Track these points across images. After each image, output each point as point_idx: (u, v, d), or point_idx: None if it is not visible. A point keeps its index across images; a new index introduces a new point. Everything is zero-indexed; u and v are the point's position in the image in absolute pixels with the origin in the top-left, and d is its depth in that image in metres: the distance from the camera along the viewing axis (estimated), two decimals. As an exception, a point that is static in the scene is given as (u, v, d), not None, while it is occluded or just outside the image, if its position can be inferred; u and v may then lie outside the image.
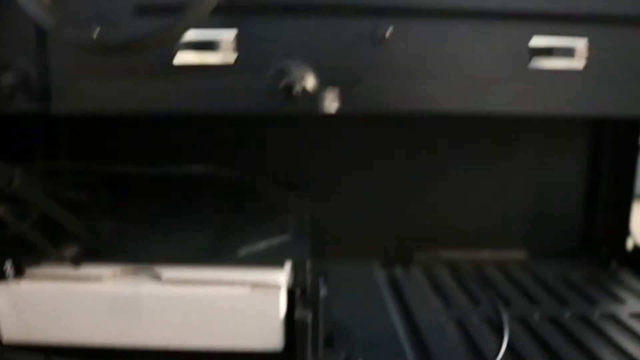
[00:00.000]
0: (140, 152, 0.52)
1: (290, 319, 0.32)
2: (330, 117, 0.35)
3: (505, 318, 0.41)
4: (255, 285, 0.31)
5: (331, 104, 0.33)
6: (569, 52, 0.35)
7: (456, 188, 0.57)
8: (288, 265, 0.34)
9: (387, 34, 0.33)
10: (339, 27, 0.35)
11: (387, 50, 0.35)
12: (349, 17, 0.35)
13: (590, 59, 0.35)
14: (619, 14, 0.36)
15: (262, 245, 0.36)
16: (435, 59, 0.35)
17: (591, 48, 0.35)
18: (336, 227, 0.55)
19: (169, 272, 0.32)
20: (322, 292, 0.32)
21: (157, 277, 0.32)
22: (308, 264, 0.34)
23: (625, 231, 0.59)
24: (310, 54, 0.34)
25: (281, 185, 0.50)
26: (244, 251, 0.35)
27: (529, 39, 0.36)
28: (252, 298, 0.31)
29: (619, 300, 0.48)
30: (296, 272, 0.33)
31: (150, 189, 0.44)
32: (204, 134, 0.53)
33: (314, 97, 0.33)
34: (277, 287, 0.31)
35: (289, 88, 0.32)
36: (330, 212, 0.55)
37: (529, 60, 0.36)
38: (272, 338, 0.32)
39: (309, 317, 0.31)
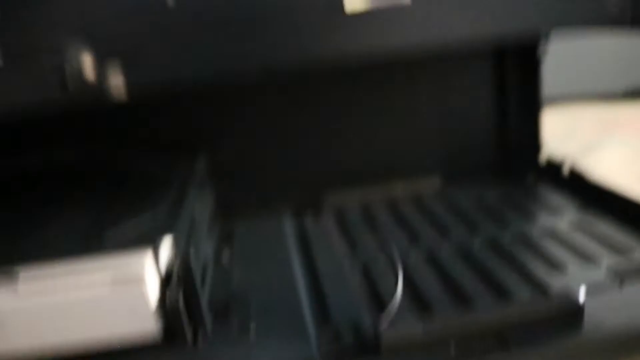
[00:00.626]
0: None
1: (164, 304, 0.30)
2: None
3: (397, 257, 0.41)
4: (115, 282, 0.29)
5: (115, 79, 0.29)
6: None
7: (363, 127, 0.55)
8: (162, 243, 0.31)
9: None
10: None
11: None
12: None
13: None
14: None
15: (130, 225, 0.33)
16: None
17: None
18: (242, 183, 0.53)
19: (26, 276, 0.29)
20: (197, 265, 0.31)
21: (13, 286, 0.29)
22: (178, 240, 0.32)
23: (537, 146, 0.58)
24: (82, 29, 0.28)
25: (173, 149, 0.48)
26: (110, 237, 0.32)
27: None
28: (114, 295, 0.29)
29: (530, 217, 0.48)
30: (172, 249, 0.32)
31: (21, 178, 0.41)
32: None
33: (96, 79, 0.29)
34: (139, 279, 0.29)
35: (61, 72, 0.28)
36: (234, 167, 0.53)
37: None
38: (148, 329, 0.30)
39: (180, 301, 0.30)
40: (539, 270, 0.39)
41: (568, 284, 0.36)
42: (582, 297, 0.31)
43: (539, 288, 0.36)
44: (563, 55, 0.93)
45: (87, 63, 0.28)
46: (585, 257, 0.40)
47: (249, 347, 0.32)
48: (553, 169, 0.55)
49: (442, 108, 0.57)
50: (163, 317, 0.30)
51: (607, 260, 0.39)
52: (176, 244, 0.32)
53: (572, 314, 0.31)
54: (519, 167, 0.58)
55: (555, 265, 0.39)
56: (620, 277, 0.36)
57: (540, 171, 0.57)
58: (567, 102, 0.93)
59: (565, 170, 0.54)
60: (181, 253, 0.31)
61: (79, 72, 0.28)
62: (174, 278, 0.30)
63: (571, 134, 0.77)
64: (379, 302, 0.37)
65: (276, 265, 0.43)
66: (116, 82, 0.29)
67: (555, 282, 0.37)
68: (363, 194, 0.55)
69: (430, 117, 0.57)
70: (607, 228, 0.44)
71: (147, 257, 0.30)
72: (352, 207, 0.54)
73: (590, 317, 0.31)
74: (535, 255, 0.41)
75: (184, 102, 0.51)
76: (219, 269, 0.43)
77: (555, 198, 0.52)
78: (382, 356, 0.30)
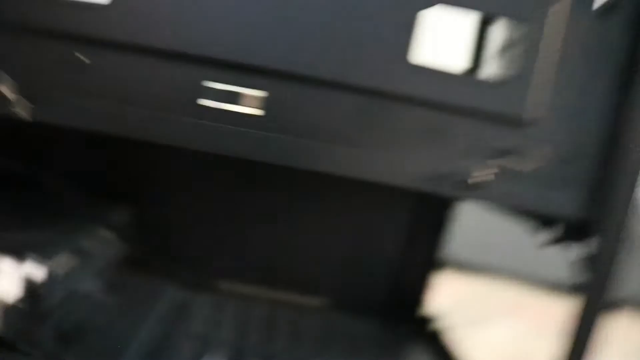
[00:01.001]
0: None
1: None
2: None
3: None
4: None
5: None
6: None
7: (275, 230, 0.62)
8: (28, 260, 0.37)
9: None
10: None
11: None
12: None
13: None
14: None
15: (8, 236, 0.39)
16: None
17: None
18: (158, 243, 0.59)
19: None
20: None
21: None
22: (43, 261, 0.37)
23: (421, 299, 0.64)
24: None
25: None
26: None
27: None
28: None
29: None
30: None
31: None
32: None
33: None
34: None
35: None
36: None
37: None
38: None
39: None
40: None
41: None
42: None
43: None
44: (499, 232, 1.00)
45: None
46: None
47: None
48: (425, 323, 0.61)
49: (353, 234, 0.63)
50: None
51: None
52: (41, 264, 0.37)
53: None
54: (400, 313, 0.63)
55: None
56: None
57: (416, 321, 0.63)
58: (493, 274, 1.00)
59: (430, 328, 0.59)
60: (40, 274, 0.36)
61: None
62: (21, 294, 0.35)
63: (472, 302, 0.82)
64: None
65: (134, 321, 0.48)
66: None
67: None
68: (252, 291, 0.60)
69: (339, 240, 0.63)
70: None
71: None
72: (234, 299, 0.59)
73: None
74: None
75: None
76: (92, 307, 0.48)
77: (412, 348, 0.57)
78: None
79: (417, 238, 0.63)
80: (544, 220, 0.41)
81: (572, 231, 0.37)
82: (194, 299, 0.55)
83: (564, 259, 0.36)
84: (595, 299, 0.34)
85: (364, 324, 0.60)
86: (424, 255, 0.64)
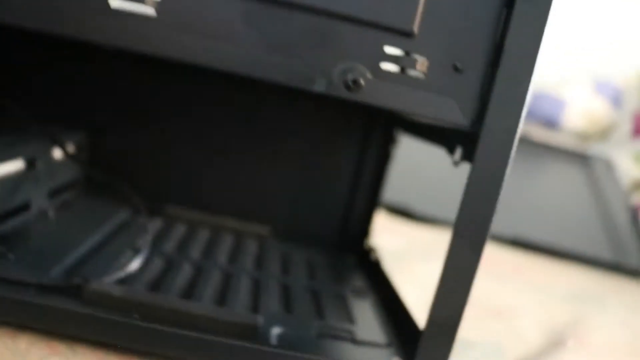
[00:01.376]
0: None
1: None
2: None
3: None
4: None
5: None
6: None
7: (231, 161, 0.64)
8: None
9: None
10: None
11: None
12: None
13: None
14: None
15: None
16: None
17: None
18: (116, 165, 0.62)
19: None
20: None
21: None
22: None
23: (367, 233, 0.67)
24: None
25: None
26: None
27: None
28: None
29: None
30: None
31: None
32: None
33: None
34: None
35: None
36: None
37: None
38: None
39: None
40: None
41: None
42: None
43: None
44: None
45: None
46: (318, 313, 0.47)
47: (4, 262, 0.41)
48: (367, 254, 0.64)
49: (305, 172, 0.66)
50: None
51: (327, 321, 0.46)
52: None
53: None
54: (350, 244, 0.66)
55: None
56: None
57: (362, 252, 0.66)
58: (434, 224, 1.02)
59: (372, 258, 0.62)
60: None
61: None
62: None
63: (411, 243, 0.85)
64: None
65: (82, 232, 0.51)
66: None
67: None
68: (199, 216, 0.63)
69: (291, 174, 0.66)
70: (360, 303, 0.52)
71: None
72: (183, 223, 0.62)
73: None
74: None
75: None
76: (39, 216, 0.51)
77: (355, 274, 0.60)
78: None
79: (364, 174, 0.66)
80: (448, 146, 0.44)
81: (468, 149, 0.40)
82: (144, 221, 0.58)
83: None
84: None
85: (311, 253, 0.63)
86: (369, 193, 0.67)
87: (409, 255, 0.70)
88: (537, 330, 0.62)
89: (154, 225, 0.59)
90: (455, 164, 0.42)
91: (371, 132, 0.66)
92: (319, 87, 0.34)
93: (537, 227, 1.12)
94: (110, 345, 0.36)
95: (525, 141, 1.36)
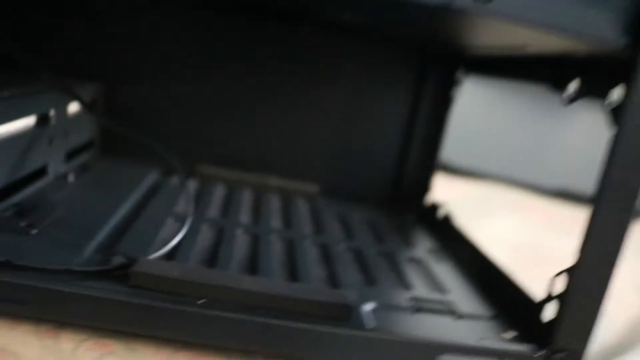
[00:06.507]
0: None
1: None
2: None
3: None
4: None
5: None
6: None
7: (273, 114, 0.56)
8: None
9: None
10: None
11: None
12: None
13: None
14: None
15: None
16: None
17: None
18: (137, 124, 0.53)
19: None
20: None
21: None
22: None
23: (427, 187, 0.59)
24: None
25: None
26: None
27: None
28: None
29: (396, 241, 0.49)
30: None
31: None
32: None
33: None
34: None
35: None
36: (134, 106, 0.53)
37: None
38: None
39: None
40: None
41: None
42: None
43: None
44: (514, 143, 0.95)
45: None
46: (403, 282, 0.40)
47: (27, 239, 0.32)
48: (432, 211, 0.56)
49: (351, 121, 0.57)
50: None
51: (417, 291, 0.38)
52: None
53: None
54: (406, 200, 0.58)
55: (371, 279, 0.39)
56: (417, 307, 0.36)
57: (422, 209, 0.58)
58: (492, 180, 0.95)
59: (440, 215, 0.54)
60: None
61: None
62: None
63: (473, 200, 0.78)
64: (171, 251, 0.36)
65: (110, 198, 0.43)
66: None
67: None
68: (238, 176, 0.55)
69: (337, 125, 0.57)
70: (443, 268, 0.44)
71: None
72: (220, 183, 0.54)
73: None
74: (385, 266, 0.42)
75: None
76: (57, 181, 0.43)
77: (423, 233, 0.52)
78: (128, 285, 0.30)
79: (418, 122, 0.58)
80: (556, 81, 0.36)
81: (596, 80, 0.32)
82: (182, 183, 0.50)
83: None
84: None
85: (366, 212, 0.55)
86: (425, 143, 0.58)
87: (469, 211, 0.63)
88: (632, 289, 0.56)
89: (189, 187, 0.51)
90: (569, 101, 0.34)
91: (427, 72, 0.57)
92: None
93: None
94: (177, 341, 0.29)
95: None
